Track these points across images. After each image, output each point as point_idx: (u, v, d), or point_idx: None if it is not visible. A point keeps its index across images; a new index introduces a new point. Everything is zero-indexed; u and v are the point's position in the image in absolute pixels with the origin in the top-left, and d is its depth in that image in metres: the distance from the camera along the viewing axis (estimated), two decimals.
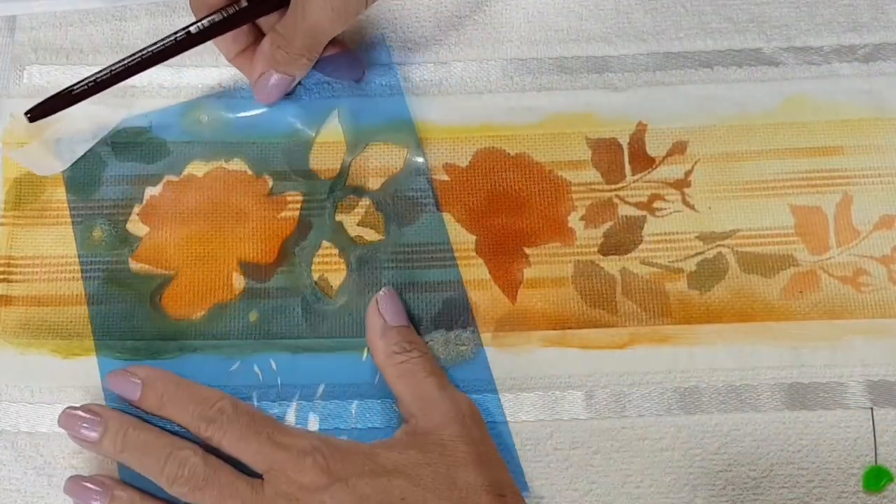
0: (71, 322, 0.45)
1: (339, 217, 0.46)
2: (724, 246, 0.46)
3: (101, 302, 0.45)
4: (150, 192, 0.47)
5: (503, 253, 0.46)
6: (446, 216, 0.46)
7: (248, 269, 0.45)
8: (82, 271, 0.45)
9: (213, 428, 0.40)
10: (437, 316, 0.44)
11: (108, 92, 0.46)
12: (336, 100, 0.48)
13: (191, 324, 0.44)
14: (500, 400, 0.43)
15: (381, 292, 0.44)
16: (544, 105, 0.48)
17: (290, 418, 0.43)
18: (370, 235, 0.46)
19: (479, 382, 0.43)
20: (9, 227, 0.46)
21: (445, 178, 0.47)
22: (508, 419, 0.43)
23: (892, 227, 0.46)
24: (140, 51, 0.44)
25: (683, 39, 0.49)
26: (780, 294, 0.45)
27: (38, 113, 0.44)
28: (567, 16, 0.50)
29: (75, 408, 0.41)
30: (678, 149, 0.47)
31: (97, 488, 0.40)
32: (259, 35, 0.46)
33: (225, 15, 0.44)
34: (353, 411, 0.43)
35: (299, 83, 0.48)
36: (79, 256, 0.46)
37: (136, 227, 0.46)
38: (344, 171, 0.47)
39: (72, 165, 0.47)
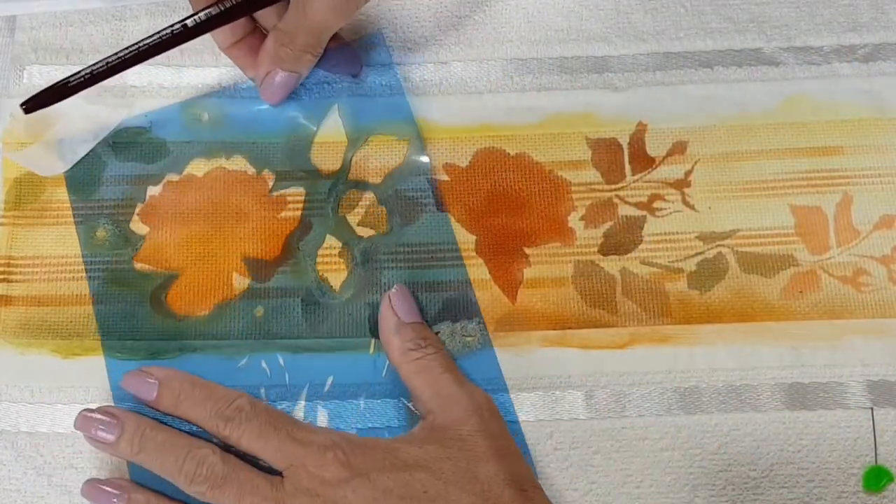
0: (71, 322, 0.45)
1: (341, 212, 0.46)
2: (724, 246, 0.46)
3: (105, 302, 0.45)
4: (152, 191, 0.47)
5: (503, 253, 0.46)
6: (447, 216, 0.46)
7: (251, 264, 0.45)
8: (86, 271, 0.45)
9: (232, 426, 0.40)
10: (443, 308, 0.44)
11: (108, 92, 0.46)
12: (336, 99, 0.48)
13: (195, 322, 0.44)
14: (511, 399, 0.43)
15: (392, 289, 0.44)
16: (544, 105, 0.48)
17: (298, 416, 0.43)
18: (373, 229, 0.46)
19: (490, 382, 0.43)
20: (9, 227, 0.46)
21: (445, 178, 0.47)
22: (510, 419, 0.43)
23: (892, 227, 0.46)
24: (136, 43, 0.43)
25: (683, 39, 0.49)
26: (780, 294, 0.45)
27: (33, 105, 0.43)
28: (567, 16, 0.50)
29: (91, 410, 0.41)
30: (678, 149, 0.47)
31: (116, 491, 0.40)
32: (255, 26, 0.46)
33: (222, 8, 0.44)
34: (362, 407, 0.43)
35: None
36: (82, 256, 0.46)
37: (137, 226, 0.46)
38: (345, 166, 0.47)
39: (72, 166, 0.47)
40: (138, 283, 0.45)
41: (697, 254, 0.46)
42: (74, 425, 0.41)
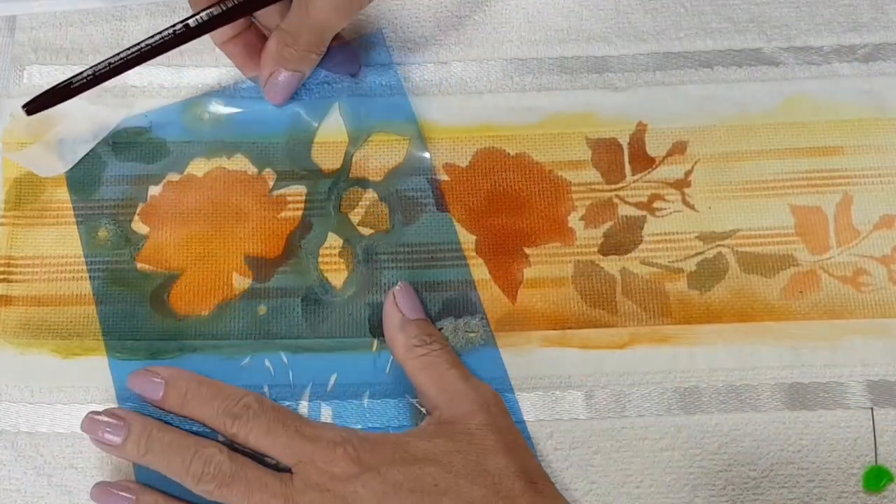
0: (71, 322, 0.45)
1: (343, 210, 0.46)
2: (724, 246, 0.46)
3: (106, 301, 0.45)
4: (152, 191, 0.47)
5: (503, 253, 0.46)
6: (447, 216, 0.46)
7: (252, 264, 0.45)
8: (88, 271, 0.45)
9: (240, 423, 0.40)
10: (443, 308, 0.45)
11: (108, 92, 0.46)
12: (337, 98, 0.48)
13: (196, 322, 0.44)
14: (516, 399, 0.43)
15: (396, 286, 0.44)
16: (544, 105, 0.48)
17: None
18: (375, 228, 0.46)
19: (495, 381, 0.43)
20: (9, 227, 0.46)
21: (445, 177, 0.47)
22: None
23: (892, 227, 0.46)
24: (138, 44, 0.43)
25: (683, 39, 0.49)
26: (780, 294, 0.45)
27: (35, 106, 0.43)
28: (567, 16, 0.50)
29: (97, 412, 0.41)
30: (678, 149, 0.47)
31: (126, 494, 0.40)
32: (251, 22, 0.46)
33: (224, 8, 0.44)
34: (365, 405, 0.43)
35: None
36: (84, 256, 0.46)
37: (138, 226, 0.46)
38: (346, 165, 0.47)
39: (72, 166, 0.47)
40: (139, 283, 0.45)
41: (697, 254, 0.46)
42: (81, 427, 0.41)
